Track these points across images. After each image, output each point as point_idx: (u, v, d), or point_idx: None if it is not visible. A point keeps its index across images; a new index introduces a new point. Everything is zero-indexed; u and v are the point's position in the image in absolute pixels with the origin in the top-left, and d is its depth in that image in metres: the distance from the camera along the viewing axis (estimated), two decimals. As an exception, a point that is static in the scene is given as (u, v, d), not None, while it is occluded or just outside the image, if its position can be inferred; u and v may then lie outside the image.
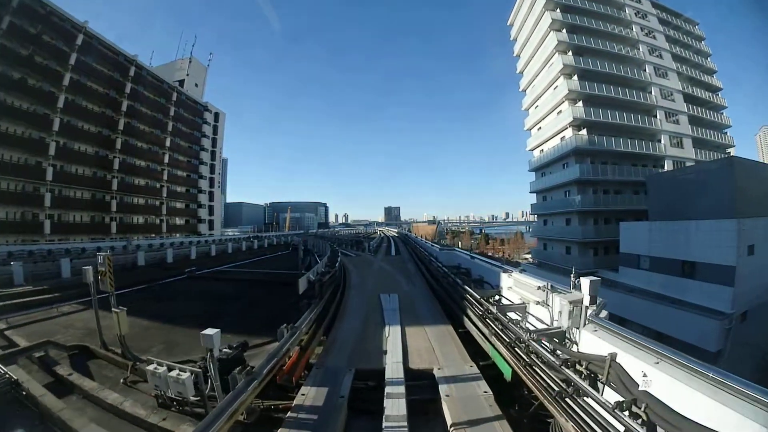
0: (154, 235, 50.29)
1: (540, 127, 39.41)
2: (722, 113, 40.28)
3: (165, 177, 52.05)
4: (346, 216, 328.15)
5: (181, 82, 59.03)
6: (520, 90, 43.78)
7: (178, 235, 54.41)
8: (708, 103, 38.95)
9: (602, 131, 32.33)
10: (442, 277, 13.67)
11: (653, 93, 34.72)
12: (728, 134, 39.99)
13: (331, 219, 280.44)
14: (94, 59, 44.71)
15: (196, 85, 61.98)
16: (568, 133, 33.44)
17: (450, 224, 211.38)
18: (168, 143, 52.73)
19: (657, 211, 25.80)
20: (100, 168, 44.36)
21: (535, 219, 43.46)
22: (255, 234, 52.88)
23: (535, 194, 41.09)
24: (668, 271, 22.72)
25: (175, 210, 55.05)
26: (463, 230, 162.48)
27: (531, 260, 44.38)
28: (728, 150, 39.29)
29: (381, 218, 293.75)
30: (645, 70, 35.31)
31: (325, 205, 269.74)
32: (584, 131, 32.35)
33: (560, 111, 34.74)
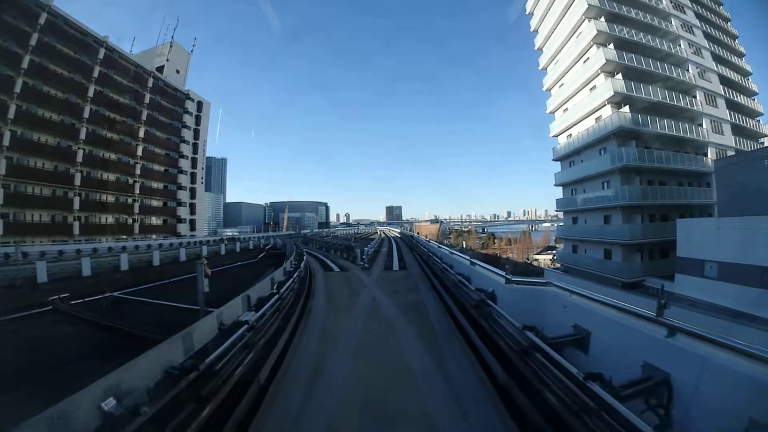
0: (126, 237, 45.37)
1: (567, 109, 34.53)
2: (754, 99, 35.95)
3: (138, 172, 46.93)
4: (347, 216, 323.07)
5: (161, 69, 54.00)
6: (540, 68, 38.91)
7: (154, 236, 49.36)
8: (741, 88, 34.59)
9: (642, 111, 27.35)
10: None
11: (690, 71, 29.79)
12: (761, 122, 35.52)
13: (333, 219, 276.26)
14: (59, 40, 39.92)
15: (178, 71, 56.86)
16: (606, 111, 28.41)
17: (452, 223, 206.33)
18: (142, 134, 47.63)
19: (728, 204, 20.59)
20: (61, 161, 39.42)
21: (562, 216, 38.02)
22: (231, 236, 47.48)
23: (561, 188, 35.58)
24: (742, 281, 17.52)
25: (151, 209, 49.92)
26: (467, 230, 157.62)
27: (551, 264, 39.36)
28: (761, 139, 34.92)
29: (382, 218, 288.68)
30: (680, 45, 30.49)
31: (326, 205, 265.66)
32: (626, 108, 27.24)
33: (594, 87, 29.74)
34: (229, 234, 79.19)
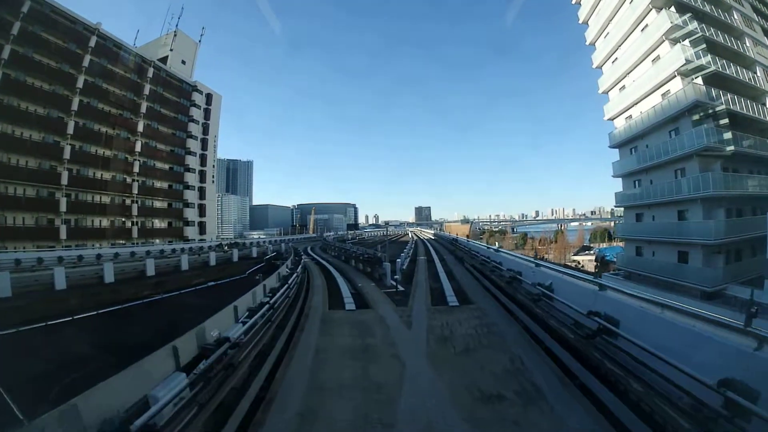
0: (124, 242, 40.91)
1: (623, 87, 29.71)
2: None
3: (136, 169, 42.42)
4: (376, 217, 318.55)
5: (165, 60, 49.70)
6: (588, 43, 33.49)
7: (158, 240, 44.89)
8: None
9: (711, 85, 22.50)
10: None
11: (747, 43, 25.50)
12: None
13: (361, 220, 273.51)
14: (44, 29, 36.07)
15: (183, 62, 52.41)
16: (675, 84, 23.72)
17: (481, 223, 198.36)
18: (141, 128, 43.13)
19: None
20: (46, 157, 35.24)
21: (622, 212, 32.92)
22: (234, 242, 41.08)
23: (621, 179, 30.53)
24: None
25: (153, 210, 45.38)
26: (498, 229, 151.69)
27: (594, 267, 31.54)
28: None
29: (411, 218, 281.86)
30: (734, 15, 25.84)
31: (354, 207, 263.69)
32: (699, 80, 22.63)
33: (657, 57, 25.31)
34: (233, 238, 74.08)
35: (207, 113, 54.39)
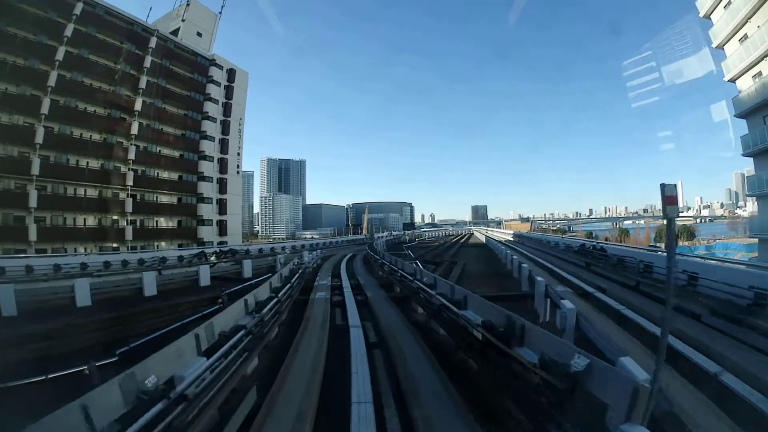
0: (117, 246, 33.56)
1: (745, 36, 23.19)
2: None
3: (132, 156, 34.84)
4: (432, 216, 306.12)
5: (177, 32, 42.41)
6: None
7: (163, 243, 37.26)
8: None
9: None
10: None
11: None
12: None
13: (417, 219, 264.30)
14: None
15: (199, 34, 44.82)
16: None
17: (538, 221, 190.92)
18: (138, 106, 35.57)
19: None
20: (13, 141, 28.55)
21: (754, 202, 26.37)
22: (229, 248, 30.54)
23: (752, 158, 23.42)
24: None
25: (155, 207, 37.75)
26: (556, 228, 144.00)
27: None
28: None
29: (468, 217, 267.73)
30: None
31: (410, 205, 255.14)
32: None
33: None
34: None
35: (229, 92, 46.35)
